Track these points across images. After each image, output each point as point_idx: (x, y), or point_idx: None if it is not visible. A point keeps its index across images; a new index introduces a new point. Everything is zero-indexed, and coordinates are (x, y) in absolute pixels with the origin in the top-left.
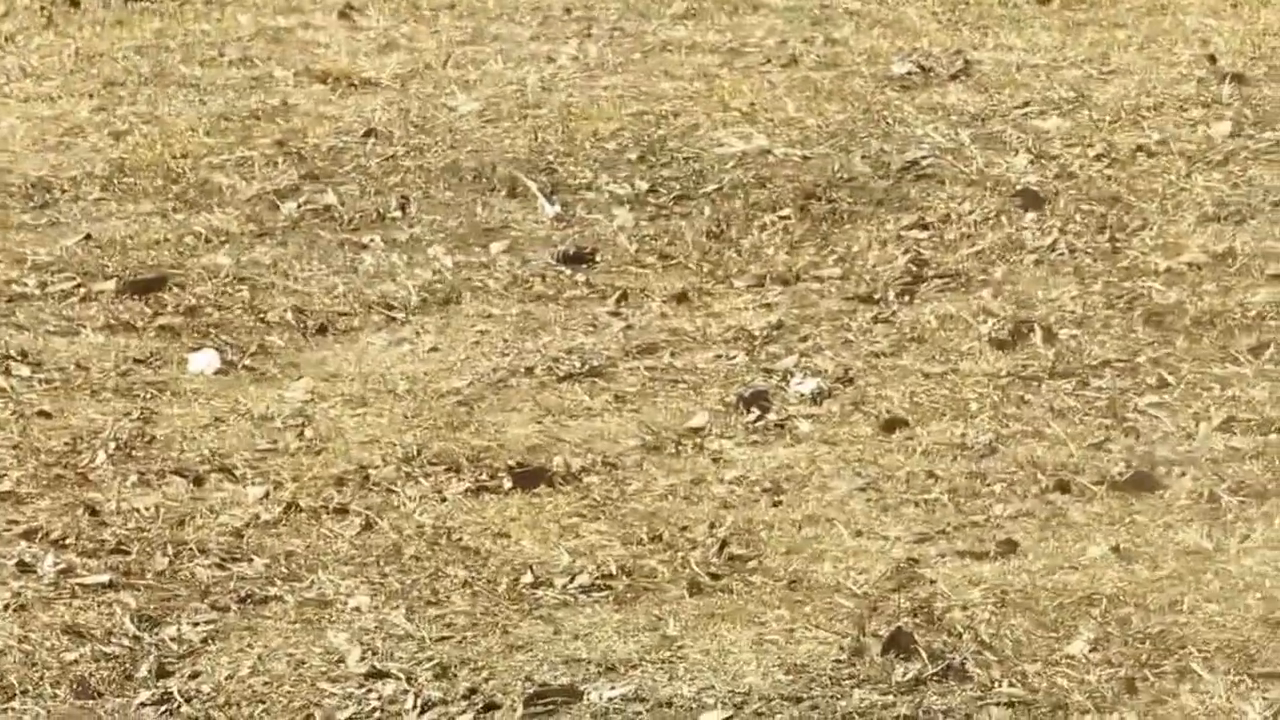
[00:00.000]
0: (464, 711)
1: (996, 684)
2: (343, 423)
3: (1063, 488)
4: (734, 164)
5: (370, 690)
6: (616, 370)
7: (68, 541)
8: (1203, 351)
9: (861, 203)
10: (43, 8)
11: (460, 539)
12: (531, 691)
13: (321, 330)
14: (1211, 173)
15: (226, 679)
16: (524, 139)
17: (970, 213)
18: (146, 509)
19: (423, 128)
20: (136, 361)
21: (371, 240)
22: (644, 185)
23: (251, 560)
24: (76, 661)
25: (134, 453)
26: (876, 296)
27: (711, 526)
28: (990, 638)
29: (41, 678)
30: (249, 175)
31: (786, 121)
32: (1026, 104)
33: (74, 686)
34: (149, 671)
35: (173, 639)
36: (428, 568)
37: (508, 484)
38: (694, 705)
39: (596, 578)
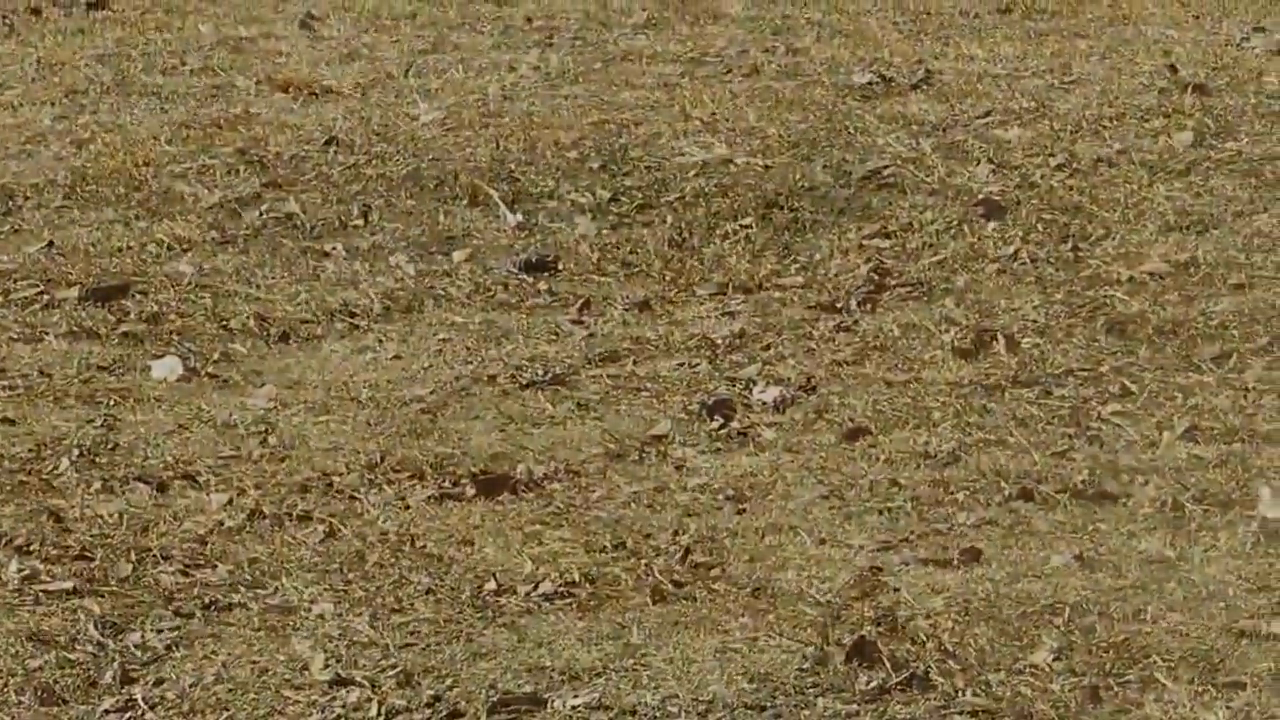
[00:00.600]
0: (428, 719)
1: (960, 693)
2: (306, 430)
3: (1026, 496)
4: (695, 173)
5: (334, 698)
6: (579, 378)
7: (32, 548)
8: (1165, 360)
9: (823, 212)
10: (4, 17)
11: (424, 546)
12: (495, 699)
13: (284, 338)
14: (1173, 182)
15: (191, 686)
16: (485, 148)
17: (932, 222)
18: (110, 515)
19: (384, 136)
20: (100, 368)
21: (333, 248)
22: (605, 194)
23: (215, 567)
24: (41, 668)
25: (97, 459)
26: (839, 305)
27: (675, 534)
28: (954, 646)
29: (5, 684)
30: (211, 183)
31: (748, 131)
32: (988, 114)
33: (38, 693)
34: (113, 678)
35: (137, 646)
36: (391, 575)
37: (471, 491)
38: (658, 714)
39: (560, 585)
